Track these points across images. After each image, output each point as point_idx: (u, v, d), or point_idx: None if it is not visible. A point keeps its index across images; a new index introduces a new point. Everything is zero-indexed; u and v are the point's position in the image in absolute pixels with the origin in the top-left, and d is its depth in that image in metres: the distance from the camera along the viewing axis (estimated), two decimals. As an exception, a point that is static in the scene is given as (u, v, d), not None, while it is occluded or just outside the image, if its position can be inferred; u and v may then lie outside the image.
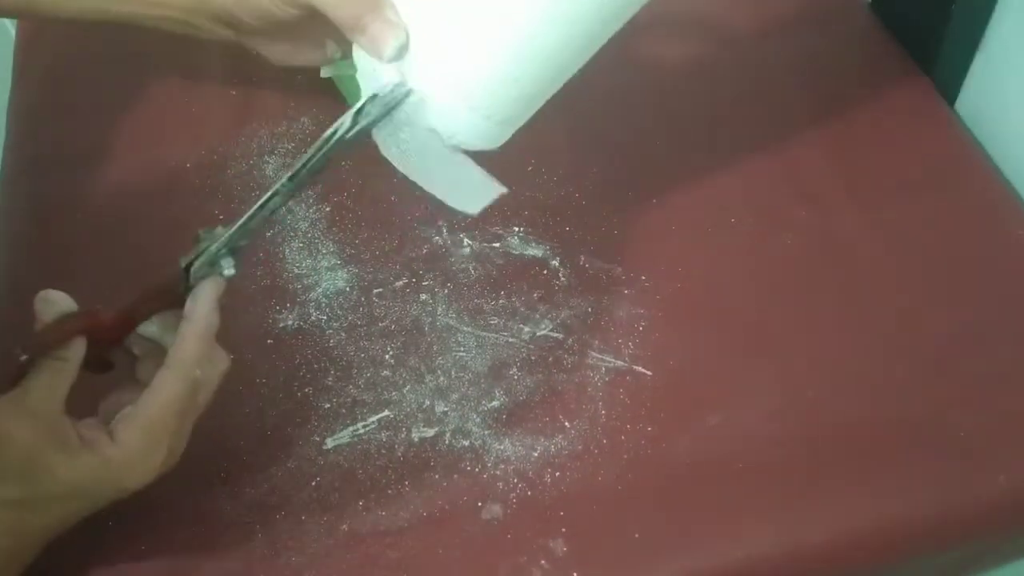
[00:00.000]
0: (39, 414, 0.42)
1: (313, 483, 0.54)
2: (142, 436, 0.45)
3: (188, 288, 0.49)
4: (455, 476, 0.54)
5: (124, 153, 0.72)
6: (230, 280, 0.49)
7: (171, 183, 0.69)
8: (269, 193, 0.48)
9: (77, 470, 0.43)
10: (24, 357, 0.43)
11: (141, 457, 0.45)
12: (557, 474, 0.54)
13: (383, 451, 0.55)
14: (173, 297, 0.49)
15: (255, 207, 0.48)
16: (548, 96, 0.52)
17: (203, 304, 0.48)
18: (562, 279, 0.62)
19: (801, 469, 0.54)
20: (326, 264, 0.64)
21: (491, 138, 0.50)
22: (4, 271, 0.65)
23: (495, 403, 0.57)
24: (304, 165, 0.48)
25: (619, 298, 0.61)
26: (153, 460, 0.45)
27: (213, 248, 0.48)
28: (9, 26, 1.02)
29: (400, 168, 0.52)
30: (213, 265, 0.48)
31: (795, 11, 0.79)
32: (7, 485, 0.42)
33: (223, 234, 0.48)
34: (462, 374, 0.58)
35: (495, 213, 0.66)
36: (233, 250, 0.48)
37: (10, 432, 0.41)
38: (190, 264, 0.48)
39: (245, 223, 0.48)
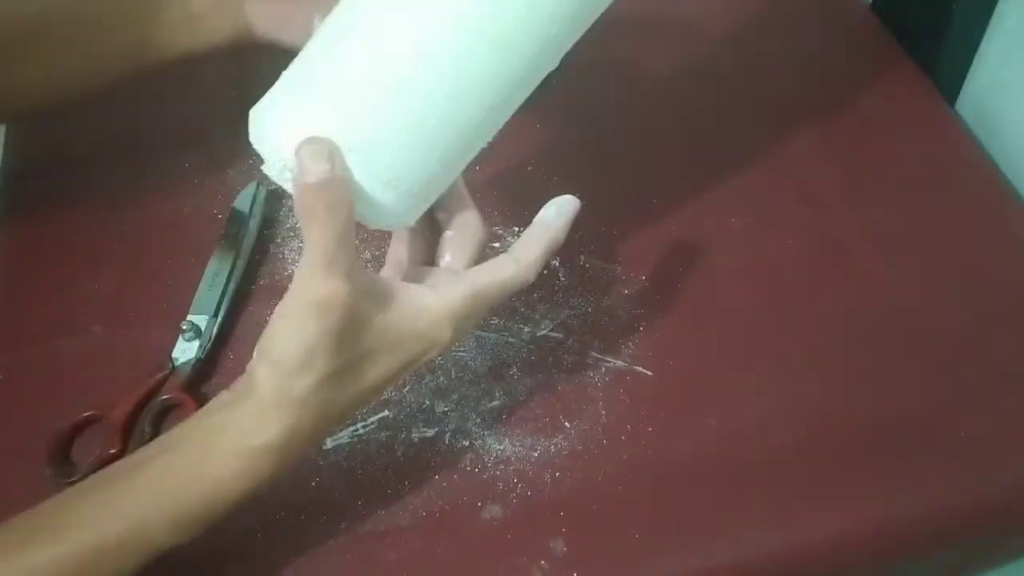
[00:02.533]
0: (349, 274, 0.42)
1: (313, 483, 0.54)
2: (465, 297, 0.45)
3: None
4: (455, 476, 0.54)
5: (124, 153, 0.72)
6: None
7: (171, 183, 0.69)
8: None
9: (396, 320, 0.43)
10: None
11: (460, 316, 0.45)
12: (557, 474, 0.54)
13: (383, 451, 0.55)
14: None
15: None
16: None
17: (563, 218, 0.48)
18: (562, 279, 0.62)
19: (801, 469, 0.54)
20: (326, 264, 0.64)
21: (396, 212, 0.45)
22: (4, 272, 0.65)
23: (495, 403, 0.57)
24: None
25: (619, 298, 0.61)
26: (463, 325, 0.45)
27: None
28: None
29: None
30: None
31: (795, 11, 0.79)
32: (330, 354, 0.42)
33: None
34: (462, 374, 0.58)
35: (495, 213, 0.66)
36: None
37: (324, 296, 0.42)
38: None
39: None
